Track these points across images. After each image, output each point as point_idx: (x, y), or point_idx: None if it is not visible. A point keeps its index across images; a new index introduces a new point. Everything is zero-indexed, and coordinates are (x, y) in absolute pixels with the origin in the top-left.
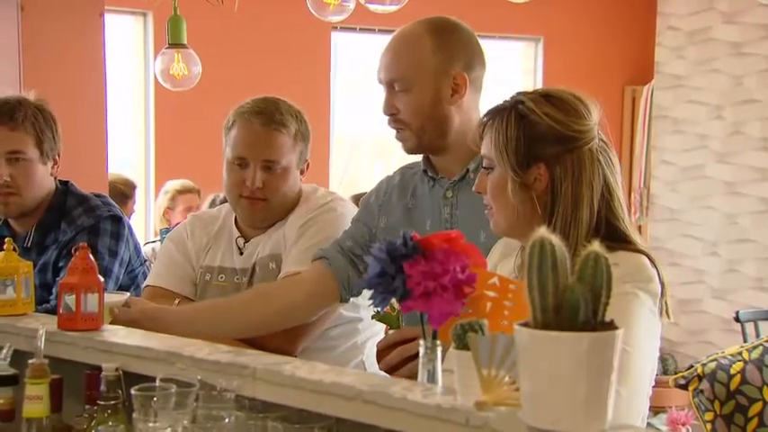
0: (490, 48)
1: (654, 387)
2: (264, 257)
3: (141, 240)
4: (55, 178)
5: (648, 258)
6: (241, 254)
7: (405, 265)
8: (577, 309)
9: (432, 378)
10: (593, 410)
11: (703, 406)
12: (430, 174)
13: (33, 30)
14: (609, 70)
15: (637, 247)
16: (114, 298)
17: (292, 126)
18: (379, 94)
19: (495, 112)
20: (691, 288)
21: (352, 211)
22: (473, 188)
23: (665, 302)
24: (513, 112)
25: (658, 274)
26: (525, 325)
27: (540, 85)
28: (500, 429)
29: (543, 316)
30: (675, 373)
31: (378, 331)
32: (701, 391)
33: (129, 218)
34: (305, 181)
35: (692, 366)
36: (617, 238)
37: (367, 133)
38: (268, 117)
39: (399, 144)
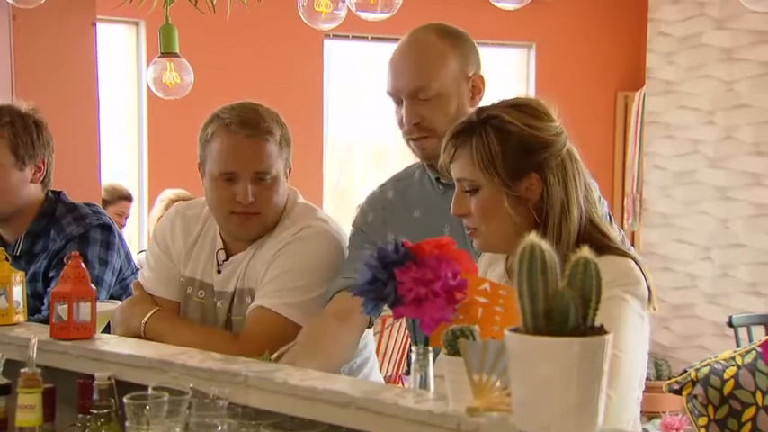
0: (484, 54)
1: (647, 392)
2: (244, 290)
3: (135, 249)
4: (44, 187)
5: (635, 262)
6: (219, 271)
7: (396, 272)
8: (567, 314)
9: (423, 384)
10: (583, 415)
11: (697, 411)
12: (442, 180)
13: (26, 39)
14: (601, 76)
15: (623, 250)
16: (105, 307)
17: (277, 132)
18: (376, 101)
19: (464, 132)
20: (684, 293)
21: (329, 233)
22: (451, 211)
23: (651, 296)
24: (490, 129)
25: (645, 277)
26: (516, 330)
27: (533, 92)
28: None
29: (533, 321)
30: (669, 378)
31: (369, 353)
32: (695, 396)
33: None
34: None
35: (685, 371)
36: (600, 241)
37: (360, 141)
38: (253, 127)
39: (392, 151)
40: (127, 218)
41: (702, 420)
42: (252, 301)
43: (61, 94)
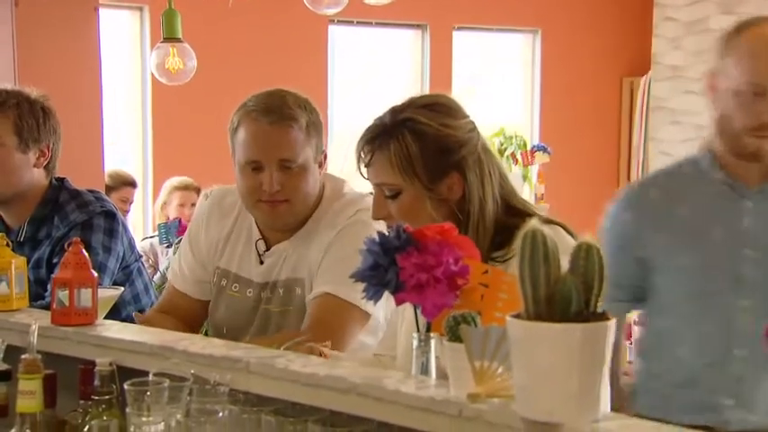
0: (490, 40)
1: None
2: (289, 280)
3: (140, 235)
4: (48, 173)
5: (563, 228)
6: (261, 262)
7: (398, 258)
8: (569, 300)
9: (425, 370)
10: (586, 401)
11: None
12: (731, 180)
13: (28, 26)
14: (607, 62)
15: (546, 217)
16: (108, 293)
17: (303, 118)
18: (380, 87)
19: (379, 136)
20: None
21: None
22: (371, 216)
23: None
24: (407, 132)
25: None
26: (517, 317)
27: (538, 78)
28: (493, 421)
29: (535, 307)
30: None
31: None
32: None
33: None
34: None
35: None
36: (519, 213)
37: (365, 127)
38: (276, 113)
39: None
40: (131, 204)
41: None
42: (302, 291)
43: (64, 81)
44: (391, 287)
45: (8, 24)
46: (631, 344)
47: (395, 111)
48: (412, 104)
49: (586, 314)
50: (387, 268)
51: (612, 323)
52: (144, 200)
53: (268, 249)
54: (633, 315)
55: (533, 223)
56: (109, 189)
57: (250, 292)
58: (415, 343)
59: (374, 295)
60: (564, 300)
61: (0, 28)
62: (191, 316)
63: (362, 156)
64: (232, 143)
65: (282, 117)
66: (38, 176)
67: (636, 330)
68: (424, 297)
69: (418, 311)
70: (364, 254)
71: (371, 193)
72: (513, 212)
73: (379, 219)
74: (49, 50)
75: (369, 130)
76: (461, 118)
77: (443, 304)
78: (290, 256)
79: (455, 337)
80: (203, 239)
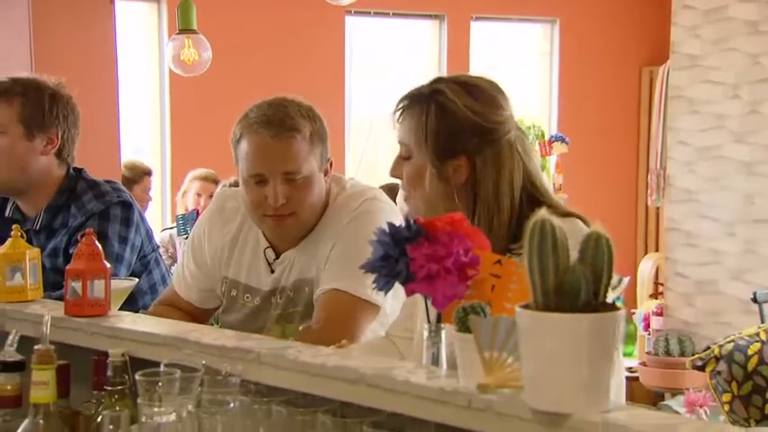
0: (507, 30)
1: (671, 369)
2: (297, 281)
3: (158, 226)
4: (62, 161)
5: (581, 220)
6: (272, 271)
7: (408, 248)
8: (578, 290)
9: (436, 361)
10: (594, 392)
11: (721, 387)
12: None
13: (44, 16)
14: (626, 51)
15: (566, 210)
16: (124, 284)
17: (306, 128)
18: (398, 77)
19: (413, 99)
20: (708, 269)
21: (385, 205)
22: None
23: None
24: (434, 104)
25: None
26: (526, 307)
27: (556, 68)
28: (503, 412)
29: (544, 298)
30: (692, 355)
31: None
32: (719, 373)
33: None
34: None
35: (708, 348)
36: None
37: (383, 117)
38: (278, 125)
39: None
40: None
41: (726, 396)
42: (311, 290)
43: (80, 71)
44: (401, 278)
45: (24, 16)
46: (650, 334)
47: (437, 80)
48: (453, 79)
49: (595, 304)
50: (397, 259)
51: (622, 313)
52: (162, 191)
53: (277, 257)
54: (652, 306)
55: (542, 213)
56: (131, 181)
57: (261, 300)
58: (426, 334)
59: (384, 286)
60: (572, 290)
61: (17, 19)
62: (192, 319)
63: (396, 112)
64: (235, 155)
65: (284, 129)
66: (48, 164)
67: (654, 321)
68: (434, 288)
69: (429, 302)
70: (374, 244)
71: (382, 187)
72: (538, 206)
73: (393, 176)
74: (65, 42)
75: (409, 91)
76: (494, 107)
77: (454, 295)
78: (299, 260)
79: (464, 327)
80: (207, 250)
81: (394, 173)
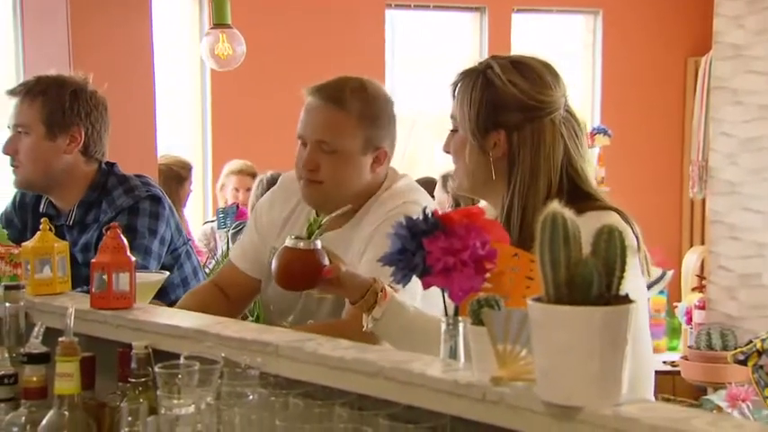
0: (549, 21)
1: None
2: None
3: (200, 220)
4: (89, 158)
5: (619, 213)
6: None
7: (425, 242)
8: (591, 283)
9: (453, 354)
10: (606, 385)
11: (763, 381)
12: None
13: (82, 11)
14: (670, 42)
15: (604, 203)
16: (154, 278)
17: (354, 106)
18: (439, 71)
19: (466, 74)
20: (751, 262)
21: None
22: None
23: (645, 257)
24: (481, 77)
25: (632, 228)
26: (538, 300)
27: (599, 60)
28: (516, 404)
29: (555, 291)
30: (735, 349)
31: None
32: (761, 367)
33: (186, 199)
34: None
35: (750, 342)
36: (581, 197)
37: (425, 111)
38: (327, 94)
39: None
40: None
41: None
42: None
43: (117, 67)
44: (418, 271)
45: (63, 10)
46: (692, 328)
47: (491, 57)
48: (506, 57)
49: (607, 297)
50: (414, 252)
51: (634, 306)
52: (204, 185)
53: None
54: (695, 299)
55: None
56: (182, 179)
57: None
58: (444, 327)
59: (402, 279)
60: (585, 283)
61: (55, 14)
62: (241, 293)
63: (453, 86)
64: None
65: (331, 99)
66: (74, 162)
67: (697, 314)
68: (450, 281)
69: (446, 295)
70: (392, 238)
71: (418, 180)
72: (579, 196)
73: (444, 151)
74: (102, 37)
75: (468, 66)
76: (540, 85)
77: (470, 288)
78: (337, 244)
79: (478, 320)
80: (266, 216)
81: (445, 147)
